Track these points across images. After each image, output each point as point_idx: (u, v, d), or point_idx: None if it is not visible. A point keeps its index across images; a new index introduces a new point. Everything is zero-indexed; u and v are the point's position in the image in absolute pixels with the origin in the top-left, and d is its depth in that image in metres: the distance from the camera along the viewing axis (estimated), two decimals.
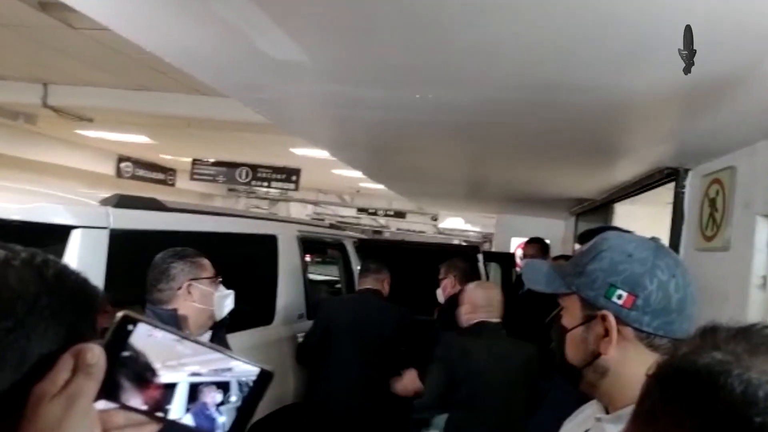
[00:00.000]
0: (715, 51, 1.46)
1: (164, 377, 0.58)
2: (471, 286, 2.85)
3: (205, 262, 2.02)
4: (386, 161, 4.81)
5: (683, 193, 3.03)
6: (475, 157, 3.95)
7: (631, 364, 0.92)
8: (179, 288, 1.94)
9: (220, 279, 2.05)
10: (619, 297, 0.92)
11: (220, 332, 2.17)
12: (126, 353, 0.57)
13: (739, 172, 2.45)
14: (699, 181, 2.88)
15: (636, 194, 3.97)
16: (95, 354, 0.54)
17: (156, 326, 0.59)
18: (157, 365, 0.58)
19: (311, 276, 5.77)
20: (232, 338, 2.68)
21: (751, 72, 1.53)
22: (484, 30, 1.51)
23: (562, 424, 1.74)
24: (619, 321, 0.92)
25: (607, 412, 0.98)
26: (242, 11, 1.47)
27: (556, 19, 1.40)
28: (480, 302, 2.71)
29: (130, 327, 0.57)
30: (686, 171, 3.05)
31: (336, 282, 5.39)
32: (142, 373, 0.58)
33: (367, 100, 2.35)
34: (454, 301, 3.26)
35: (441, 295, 3.81)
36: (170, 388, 0.59)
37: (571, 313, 1.00)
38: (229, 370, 0.60)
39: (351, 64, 1.89)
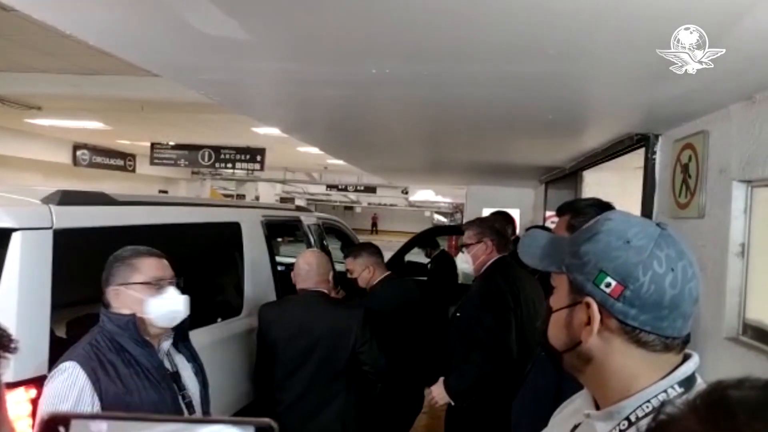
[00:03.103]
0: (686, 14, 1.37)
1: None
2: (298, 257, 3.06)
3: (142, 263, 1.82)
4: (347, 139, 4.67)
5: (654, 159, 2.97)
6: (440, 132, 3.83)
7: (616, 357, 0.86)
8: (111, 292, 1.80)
9: (169, 281, 1.85)
10: (608, 285, 0.84)
11: (187, 343, 2.00)
12: None
13: (712, 137, 2.37)
14: (670, 147, 2.81)
15: (605, 161, 3.91)
16: None
17: (93, 417, 0.50)
18: None
19: (283, 260, 5.70)
20: (199, 334, 2.56)
21: (725, 33, 1.44)
22: None
23: (539, 401, 1.68)
24: (604, 311, 0.85)
25: (597, 406, 0.91)
26: None
27: None
28: (300, 272, 2.95)
29: (61, 430, 0.47)
30: (656, 137, 2.98)
31: None
32: None
33: (321, 78, 2.20)
34: (496, 269, 2.80)
35: (468, 263, 2.91)
36: None
37: (559, 294, 0.93)
38: None
39: (298, 40, 1.73)
